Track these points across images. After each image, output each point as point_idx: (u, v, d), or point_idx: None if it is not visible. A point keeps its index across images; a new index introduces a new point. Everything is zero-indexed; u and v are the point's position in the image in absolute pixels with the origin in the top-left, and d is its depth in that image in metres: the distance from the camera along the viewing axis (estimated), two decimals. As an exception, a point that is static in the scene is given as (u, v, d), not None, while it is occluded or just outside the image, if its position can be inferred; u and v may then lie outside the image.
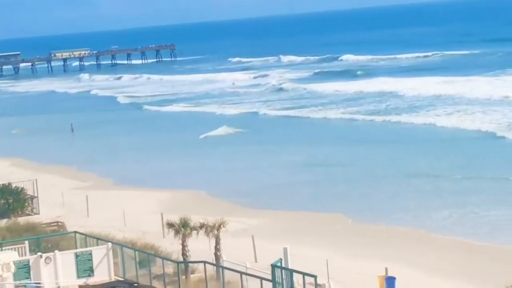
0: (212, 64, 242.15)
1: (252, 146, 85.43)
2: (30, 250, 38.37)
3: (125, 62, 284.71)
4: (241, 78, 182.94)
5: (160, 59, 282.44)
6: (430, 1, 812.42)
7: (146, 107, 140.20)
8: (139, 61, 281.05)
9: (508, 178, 56.69)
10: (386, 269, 36.69)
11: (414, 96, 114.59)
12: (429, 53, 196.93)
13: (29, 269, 35.17)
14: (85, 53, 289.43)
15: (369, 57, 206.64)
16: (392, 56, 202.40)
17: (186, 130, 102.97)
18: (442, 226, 47.32)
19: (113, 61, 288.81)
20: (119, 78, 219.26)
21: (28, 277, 34.88)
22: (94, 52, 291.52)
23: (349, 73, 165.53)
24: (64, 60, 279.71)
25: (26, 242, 40.34)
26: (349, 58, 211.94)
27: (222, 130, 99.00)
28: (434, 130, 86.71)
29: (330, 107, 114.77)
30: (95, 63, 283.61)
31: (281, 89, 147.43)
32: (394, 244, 45.40)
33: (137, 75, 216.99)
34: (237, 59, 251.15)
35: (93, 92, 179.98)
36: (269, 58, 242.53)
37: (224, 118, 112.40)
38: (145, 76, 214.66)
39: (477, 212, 49.47)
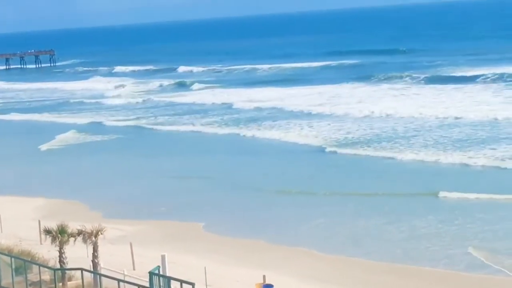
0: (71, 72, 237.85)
1: (102, 156, 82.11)
2: None
3: (4, 67, 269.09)
4: (86, 87, 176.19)
5: (40, 65, 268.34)
6: (290, 12, 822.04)
7: None
8: (18, 66, 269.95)
9: (331, 191, 56.79)
10: (264, 276, 37.43)
11: (252, 108, 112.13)
12: (271, 66, 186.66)
13: None
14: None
15: (203, 68, 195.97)
16: (232, 68, 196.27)
17: (28, 139, 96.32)
18: (297, 238, 46.80)
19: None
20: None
21: None
22: None
23: (185, 85, 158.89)
24: None
25: None
26: (185, 69, 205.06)
27: (66, 139, 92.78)
28: (275, 144, 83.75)
29: (174, 118, 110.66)
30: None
31: (123, 99, 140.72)
32: (260, 254, 44.82)
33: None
34: (84, 68, 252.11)
35: None
36: (107, 68, 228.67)
37: (69, 127, 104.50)
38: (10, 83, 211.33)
39: (327, 225, 49.58)
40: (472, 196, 56.70)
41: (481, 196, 56.81)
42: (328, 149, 78.24)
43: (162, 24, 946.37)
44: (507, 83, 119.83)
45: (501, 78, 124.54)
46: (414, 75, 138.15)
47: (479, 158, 70.65)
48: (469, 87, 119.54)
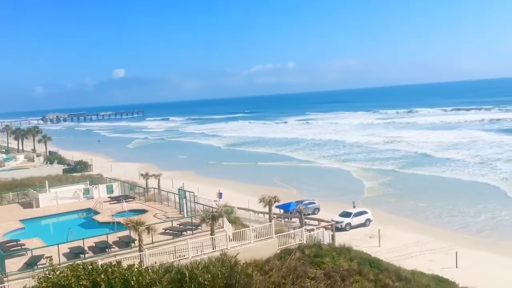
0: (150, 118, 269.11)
1: (151, 148, 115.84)
2: (89, 184, 44.60)
3: (120, 117, 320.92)
4: (141, 124, 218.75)
5: (134, 116, 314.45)
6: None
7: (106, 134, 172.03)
8: (124, 116, 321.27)
9: (230, 163, 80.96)
10: (219, 190, 46.10)
11: (197, 133, 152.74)
12: (215, 116, 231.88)
13: (89, 191, 41.37)
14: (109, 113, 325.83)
15: (186, 117, 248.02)
16: (197, 118, 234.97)
17: (122, 143, 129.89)
18: (226, 176, 64.73)
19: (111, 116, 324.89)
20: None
21: (88, 194, 41.11)
22: (114, 112, 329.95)
23: (179, 126, 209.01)
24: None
25: (88, 181, 46.72)
26: (175, 118, 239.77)
27: (136, 143, 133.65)
28: (205, 144, 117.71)
29: (176, 135, 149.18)
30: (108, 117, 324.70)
31: (155, 129, 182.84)
32: (216, 182, 58.69)
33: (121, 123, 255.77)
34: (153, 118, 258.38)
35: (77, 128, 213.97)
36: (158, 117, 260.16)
37: (136, 139, 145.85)
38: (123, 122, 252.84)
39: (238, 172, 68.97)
40: (272, 164, 75.59)
41: (276, 163, 75.58)
42: (223, 147, 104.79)
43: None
44: (300, 123, 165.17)
45: (299, 121, 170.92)
46: (274, 121, 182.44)
47: (281, 152, 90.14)
48: (282, 124, 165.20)
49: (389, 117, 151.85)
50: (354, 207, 40.99)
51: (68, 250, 24.17)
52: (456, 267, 28.16)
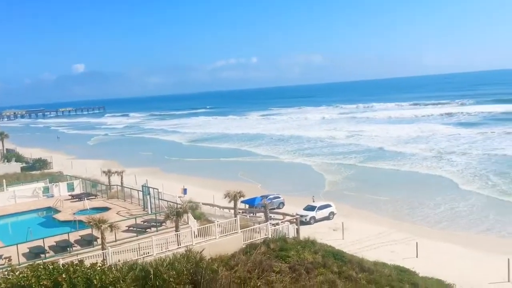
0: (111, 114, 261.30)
1: (113, 144, 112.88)
2: (49, 182, 43.66)
3: (81, 113, 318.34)
4: (100, 120, 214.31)
5: (92, 112, 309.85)
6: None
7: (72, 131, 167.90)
8: (85, 113, 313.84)
9: (198, 159, 78.51)
10: (184, 186, 45.22)
11: (158, 129, 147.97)
12: (177, 112, 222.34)
13: (48, 189, 40.29)
14: (69, 109, 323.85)
15: (147, 113, 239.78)
16: (159, 113, 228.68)
17: (82, 139, 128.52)
18: (192, 172, 64.16)
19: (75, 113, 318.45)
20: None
21: (48, 192, 40.15)
22: (74, 108, 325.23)
23: (141, 122, 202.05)
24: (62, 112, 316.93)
25: (47, 179, 45.65)
26: (136, 115, 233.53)
27: (96, 139, 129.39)
28: (168, 140, 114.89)
29: (137, 132, 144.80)
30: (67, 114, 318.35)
31: (115, 125, 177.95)
32: (180, 179, 57.68)
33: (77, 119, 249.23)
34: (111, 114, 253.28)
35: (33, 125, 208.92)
36: (118, 113, 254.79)
37: (95, 135, 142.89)
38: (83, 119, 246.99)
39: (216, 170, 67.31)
40: (236, 159, 74.55)
41: (240, 159, 74.10)
42: (185, 143, 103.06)
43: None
44: (263, 118, 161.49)
45: (262, 116, 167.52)
46: (237, 116, 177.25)
47: (244, 147, 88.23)
48: (245, 119, 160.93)
49: (350, 112, 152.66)
50: (313, 201, 41.19)
51: (27, 250, 23.45)
52: (417, 257, 28.92)
